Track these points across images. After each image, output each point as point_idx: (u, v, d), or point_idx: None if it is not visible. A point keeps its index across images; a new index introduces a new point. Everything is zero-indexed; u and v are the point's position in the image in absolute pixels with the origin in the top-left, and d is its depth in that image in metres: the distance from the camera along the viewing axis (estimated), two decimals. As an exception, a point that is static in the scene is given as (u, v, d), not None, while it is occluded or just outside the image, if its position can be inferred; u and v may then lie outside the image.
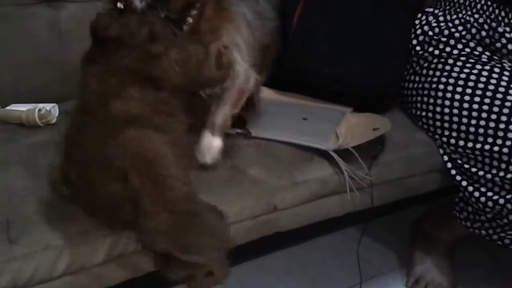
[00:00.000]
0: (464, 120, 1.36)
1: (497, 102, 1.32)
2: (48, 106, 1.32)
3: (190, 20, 1.12)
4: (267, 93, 1.59)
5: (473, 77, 1.38)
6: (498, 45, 1.44)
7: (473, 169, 1.34)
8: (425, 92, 1.46)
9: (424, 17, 1.54)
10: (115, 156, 0.88)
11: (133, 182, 0.87)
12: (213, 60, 1.03)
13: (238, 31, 1.18)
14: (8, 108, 1.33)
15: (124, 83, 0.96)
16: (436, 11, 1.54)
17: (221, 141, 1.17)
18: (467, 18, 1.48)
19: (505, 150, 1.27)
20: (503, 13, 1.50)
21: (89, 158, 0.91)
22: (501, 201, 1.27)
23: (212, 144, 1.16)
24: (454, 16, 1.50)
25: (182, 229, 0.89)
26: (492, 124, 1.31)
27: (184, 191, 0.90)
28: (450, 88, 1.40)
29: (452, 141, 1.38)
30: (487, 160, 1.31)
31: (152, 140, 0.91)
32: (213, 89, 1.16)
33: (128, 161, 0.88)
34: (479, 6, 1.51)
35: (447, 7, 1.55)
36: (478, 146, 1.32)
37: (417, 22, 1.55)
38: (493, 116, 1.31)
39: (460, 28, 1.46)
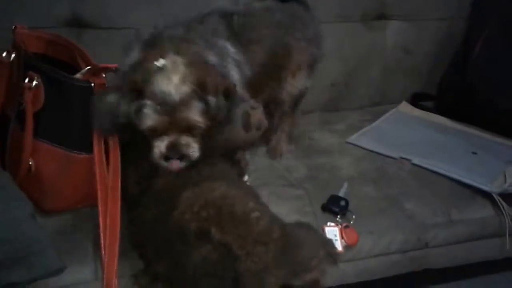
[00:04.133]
0: None
1: None
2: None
3: None
4: (437, 119, 1.57)
5: None
6: None
7: None
8: None
9: None
10: (186, 221, 0.85)
11: (216, 234, 0.83)
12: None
13: None
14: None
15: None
16: None
17: None
18: None
19: None
20: None
21: (164, 244, 0.89)
22: None
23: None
24: None
25: (282, 254, 0.85)
26: None
27: (267, 219, 0.87)
28: None
29: None
30: None
31: (210, 187, 0.87)
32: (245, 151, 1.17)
33: (199, 217, 0.84)
34: None
35: None
36: None
37: None
38: None
39: None
